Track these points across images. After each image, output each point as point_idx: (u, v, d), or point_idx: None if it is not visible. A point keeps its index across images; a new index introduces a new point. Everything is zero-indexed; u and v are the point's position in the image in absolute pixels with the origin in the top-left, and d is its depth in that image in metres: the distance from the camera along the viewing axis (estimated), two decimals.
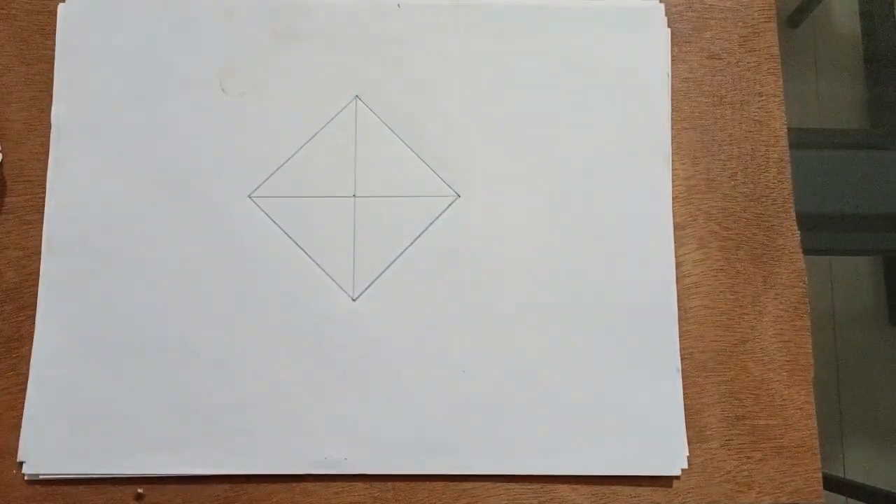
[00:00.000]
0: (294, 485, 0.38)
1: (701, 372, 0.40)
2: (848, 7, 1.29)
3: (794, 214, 0.42)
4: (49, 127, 0.41)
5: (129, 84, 0.41)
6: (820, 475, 0.40)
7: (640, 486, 0.39)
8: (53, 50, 0.41)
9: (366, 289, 0.39)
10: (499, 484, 0.38)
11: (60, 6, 0.42)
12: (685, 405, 0.39)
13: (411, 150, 0.41)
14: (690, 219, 0.42)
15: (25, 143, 0.41)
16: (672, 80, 0.43)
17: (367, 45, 0.42)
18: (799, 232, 0.42)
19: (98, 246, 0.39)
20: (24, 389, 0.38)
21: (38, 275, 0.39)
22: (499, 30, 0.42)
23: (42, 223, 0.40)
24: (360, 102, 0.41)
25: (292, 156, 0.40)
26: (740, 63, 0.43)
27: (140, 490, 0.37)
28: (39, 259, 0.39)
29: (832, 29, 1.30)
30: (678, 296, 0.40)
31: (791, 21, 1.28)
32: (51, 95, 0.41)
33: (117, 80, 0.41)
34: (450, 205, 0.40)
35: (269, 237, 0.40)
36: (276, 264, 0.39)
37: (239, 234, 0.40)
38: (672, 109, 0.42)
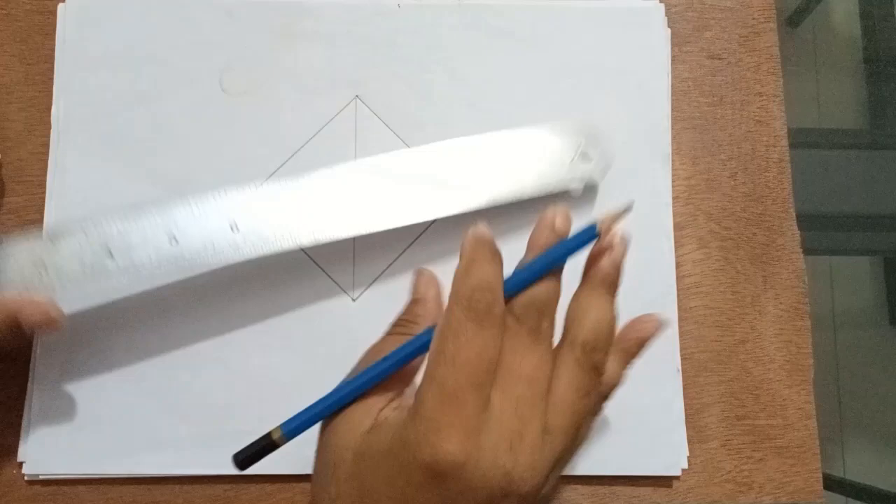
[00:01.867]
0: (294, 485, 0.38)
1: (701, 372, 0.40)
2: (848, 7, 1.29)
3: (794, 214, 0.42)
4: (49, 127, 0.41)
5: (129, 84, 0.41)
6: (820, 475, 0.40)
7: (640, 486, 0.39)
8: (53, 50, 0.41)
9: (366, 289, 0.39)
10: None
11: (60, 6, 0.42)
12: (685, 405, 0.39)
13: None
14: (690, 219, 0.42)
15: (25, 143, 0.41)
16: (672, 80, 0.43)
17: (367, 45, 0.42)
18: (799, 232, 0.42)
19: None
20: (25, 389, 0.38)
21: None
22: (499, 30, 0.42)
23: (42, 223, 0.40)
24: (360, 102, 0.41)
25: (292, 156, 0.40)
26: (740, 63, 0.43)
27: None
28: None
29: (832, 29, 1.29)
30: (678, 296, 0.40)
31: (791, 21, 1.28)
32: (51, 95, 0.41)
33: (117, 80, 0.41)
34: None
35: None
36: (275, 264, 0.39)
37: None
38: (672, 109, 0.42)
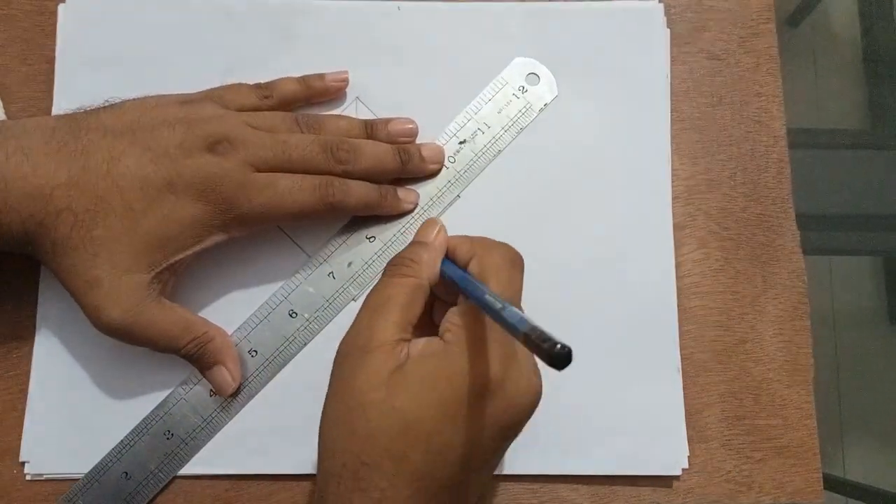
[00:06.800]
0: (295, 484, 0.38)
1: (701, 372, 0.40)
2: (848, 7, 1.30)
3: (793, 214, 0.42)
4: None
5: (130, 84, 0.40)
6: (820, 475, 0.40)
7: (640, 486, 0.39)
8: (53, 50, 0.41)
9: (366, 289, 0.39)
10: (499, 484, 0.39)
11: (60, 6, 0.42)
12: (685, 405, 0.39)
13: None
14: (690, 219, 0.42)
15: None
16: (672, 81, 0.43)
17: (367, 46, 0.42)
18: (799, 232, 0.42)
19: None
20: (26, 389, 0.38)
21: (38, 274, 0.39)
22: (498, 31, 0.42)
23: None
24: (360, 104, 0.41)
25: None
26: (740, 64, 0.43)
27: None
28: None
29: (832, 29, 1.30)
30: (678, 296, 0.40)
31: (791, 21, 1.28)
32: (51, 96, 0.41)
33: (117, 81, 0.41)
34: (449, 205, 0.40)
35: (269, 236, 0.40)
36: (275, 264, 0.39)
37: None
38: (672, 110, 0.42)
